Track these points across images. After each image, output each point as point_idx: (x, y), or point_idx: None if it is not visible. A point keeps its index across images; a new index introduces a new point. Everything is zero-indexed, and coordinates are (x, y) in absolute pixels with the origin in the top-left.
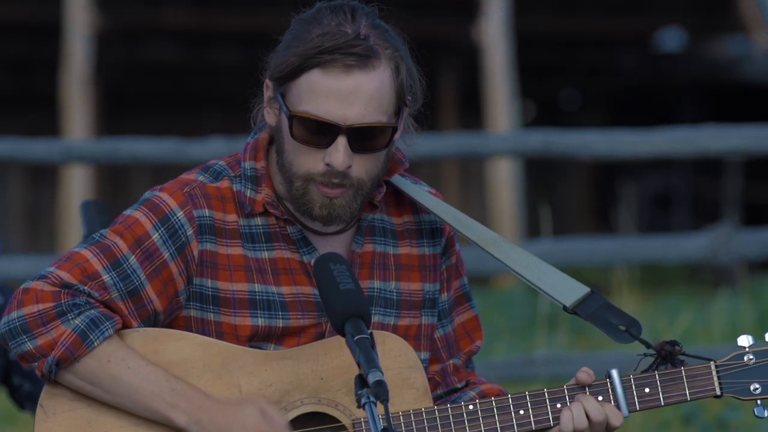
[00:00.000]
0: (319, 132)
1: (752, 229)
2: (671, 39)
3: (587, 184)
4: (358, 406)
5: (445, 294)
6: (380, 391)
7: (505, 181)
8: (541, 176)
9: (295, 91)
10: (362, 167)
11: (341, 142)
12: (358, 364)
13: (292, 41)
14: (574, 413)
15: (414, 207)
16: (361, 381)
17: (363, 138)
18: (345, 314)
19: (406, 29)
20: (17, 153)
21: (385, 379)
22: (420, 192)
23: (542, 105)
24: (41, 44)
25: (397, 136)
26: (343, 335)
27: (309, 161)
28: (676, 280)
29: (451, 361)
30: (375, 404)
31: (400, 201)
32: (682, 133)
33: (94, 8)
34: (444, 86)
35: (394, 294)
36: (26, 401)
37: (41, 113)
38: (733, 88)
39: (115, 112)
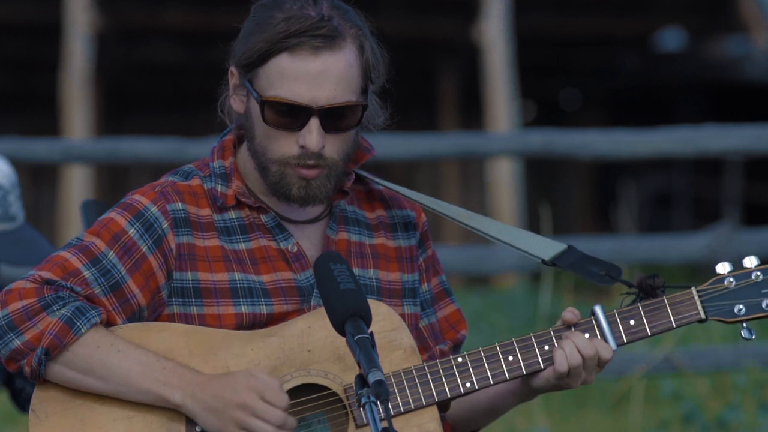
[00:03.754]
0: (292, 115)
1: (752, 229)
2: (671, 39)
3: (587, 184)
4: (359, 406)
5: (426, 284)
6: (380, 391)
7: (505, 181)
8: (541, 176)
9: (264, 76)
10: (334, 147)
11: (314, 123)
12: (359, 364)
13: (256, 27)
14: (566, 351)
15: (385, 203)
16: (361, 380)
17: (335, 118)
18: (345, 314)
19: (406, 29)
20: (17, 153)
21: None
22: (390, 183)
23: (542, 105)
24: (41, 44)
25: (366, 114)
26: (344, 335)
27: (282, 145)
28: (676, 280)
29: (438, 347)
30: (376, 404)
31: (371, 197)
32: (682, 133)
33: (94, 8)
34: (444, 86)
35: (374, 281)
36: (28, 404)
37: (41, 113)
38: (733, 88)
39: (115, 112)
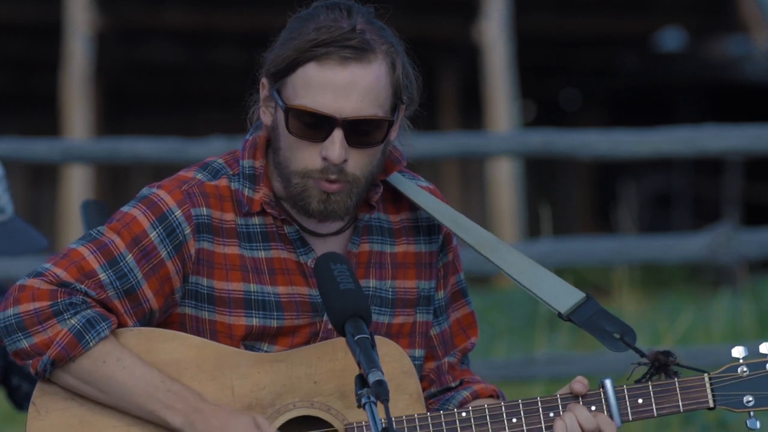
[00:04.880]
0: (315, 125)
1: (752, 229)
2: (671, 39)
3: (587, 184)
4: (359, 406)
5: (442, 291)
6: (380, 391)
7: (505, 181)
8: (541, 176)
9: (291, 85)
10: (357, 163)
11: (337, 135)
12: (359, 364)
13: (288, 37)
14: (567, 423)
15: (412, 204)
16: (361, 381)
17: (359, 132)
18: (345, 314)
19: (406, 29)
20: (17, 153)
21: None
22: (416, 190)
23: (542, 105)
24: (41, 44)
25: (393, 133)
26: (344, 335)
27: (306, 157)
28: (676, 280)
29: (446, 359)
30: (375, 404)
31: (398, 198)
32: (682, 133)
33: (94, 8)
34: (444, 86)
35: (390, 293)
36: (25, 402)
37: (41, 113)
38: (733, 88)
39: (116, 111)
